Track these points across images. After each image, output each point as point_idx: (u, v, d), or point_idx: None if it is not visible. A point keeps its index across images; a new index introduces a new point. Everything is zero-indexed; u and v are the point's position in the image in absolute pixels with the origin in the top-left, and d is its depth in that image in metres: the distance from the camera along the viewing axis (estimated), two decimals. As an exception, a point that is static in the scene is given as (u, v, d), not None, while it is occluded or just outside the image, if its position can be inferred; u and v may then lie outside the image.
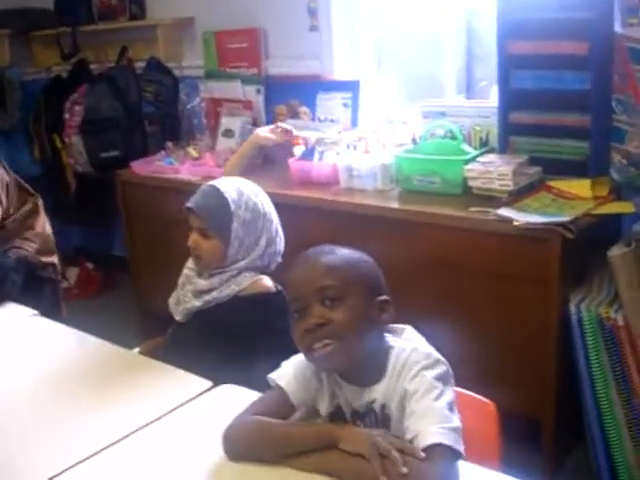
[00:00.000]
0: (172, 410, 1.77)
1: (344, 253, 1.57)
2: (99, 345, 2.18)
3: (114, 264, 4.92)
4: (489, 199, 2.72)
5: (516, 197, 2.69)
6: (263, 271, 2.18)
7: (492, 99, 3.10)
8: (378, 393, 1.52)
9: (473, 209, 2.65)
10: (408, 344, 1.53)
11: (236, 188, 2.13)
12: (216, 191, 2.11)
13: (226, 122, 3.85)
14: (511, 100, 2.89)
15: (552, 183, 2.77)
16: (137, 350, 2.32)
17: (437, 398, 1.42)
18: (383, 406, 1.52)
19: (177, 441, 1.66)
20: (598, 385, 2.50)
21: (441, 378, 1.46)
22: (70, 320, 2.48)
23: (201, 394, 1.84)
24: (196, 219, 2.11)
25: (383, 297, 1.54)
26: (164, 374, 1.97)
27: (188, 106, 4.21)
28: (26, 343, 2.24)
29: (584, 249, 2.54)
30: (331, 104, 3.59)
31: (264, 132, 3.33)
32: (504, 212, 2.56)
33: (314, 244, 1.60)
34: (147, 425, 1.72)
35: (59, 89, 4.80)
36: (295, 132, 3.39)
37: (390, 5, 3.68)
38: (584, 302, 2.51)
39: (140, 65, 4.43)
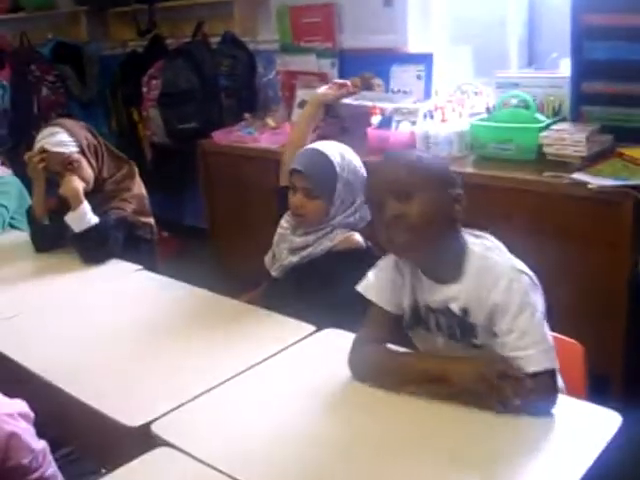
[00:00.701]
0: (282, 350, 1.94)
1: (416, 153, 1.74)
2: (206, 295, 2.37)
3: (186, 233, 5.12)
4: (562, 165, 2.85)
5: (589, 163, 2.81)
6: (353, 228, 2.32)
7: (562, 70, 3.20)
8: (455, 293, 1.65)
9: (548, 173, 2.78)
10: (489, 253, 1.65)
11: (338, 151, 2.28)
12: (321, 154, 2.27)
13: (302, 94, 4.00)
14: (584, 70, 2.99)
15: (624, 150, 2.87)
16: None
17: (533, 314, 1.56)
18: (465, 311, 1.65)
19: (289, 377, 1.82)
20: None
21: (531, 289, 1.58)
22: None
23: (307, 336, 2.00)
24: (302, 180, 2.25)
25: (456, 190, 1.66)
26: (269, 320, 2.13)
27: (264, 79, 4.37)
28: (138, 294, 2.44)
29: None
30: (405, 76, 3.72)
31: (321, 90, 3.41)
32: (578, 176, 2.69)
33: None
34: (260, 363, 1.89)
35: (135, 64, 5.00)
36: (369, 103, 3.53)
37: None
38: (655, 262, 2.63)
39: (215, 40, 4.59)
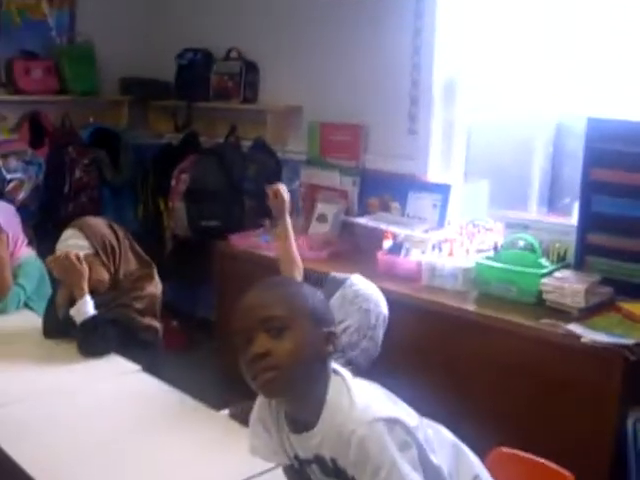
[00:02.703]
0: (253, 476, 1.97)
1: (292, 284, 1.68)
2: (195, 406, 2.43)
3: (196, 325, 5.20)
4: (561, 312, 2.91)
5: (586, 314, 2.88)
6: None
7: (573, 216, 3.29)
8: (318, 442, 1.57)
9: (544, 321, 2.84)
10: (342, 401, 1.56)
11: None
12: None
13: (321, 207, 4.13)
14: (590, 221, 3.09)
15: (622, 304, 2.94)
16: (227, 411, 2.54)
17: (392, 470, 1.47)
18: (334, 461, 1.57)
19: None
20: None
21: (389, 439, 1.49)
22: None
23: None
24: None
25: (330, 329, 1.59)
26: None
27: (288, 188, 4.49)
28: (130, 396, 2.49)
29: (646, 370, 2.70)
30: (421, 203, 3.84)
31: None
32: (573, 327, 2.75)
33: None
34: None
35: (169, 156, 5.16)
36: (384, 226, 3.65)
37: (484, 121, 3.97)
38: (641, 421, 2.66)
39: (246, 144, 4.77)
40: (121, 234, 3.08)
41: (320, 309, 1.61)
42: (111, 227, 3.05)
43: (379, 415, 1.51)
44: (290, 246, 2.96)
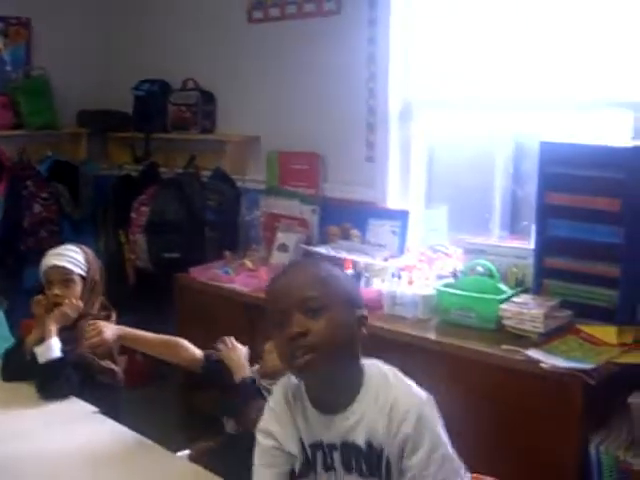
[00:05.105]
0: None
1: (326, 266, 1.70)
2: (151, 448, 2.36)
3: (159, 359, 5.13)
4: (521, 337, 2.91)
5: (546, 338, 2.87)
6: None
7: (531, 239, 3.30)
8: (353, 423, 1.59)
9: (504, 347, 2.84)
10: (389, 380, 1.62)
11: None
12: None
13: (282, 237, 4.11)
14: (547, 245, 3.10)
15: (581, 327, 2.94)
16: (187, 452, 2.51)
17: (446, 446, 1.60)
18: (370, 444, 1.58)
19: None
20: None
21: (437, 415, 1.59)
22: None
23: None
24: None
25: (362, 312, 1.64)
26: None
27: (247, 218, 4.50)
28: (85, 439, 2.42)
29: (606, 393, 2.68)
30: (381, 230, 3.84)
31: None
32: (533, 353, 2.74)
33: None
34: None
35: (129, 187, 5.14)
36: (344, 254, 3.63)
37: (442, 144, 3.98)
38: (603, 444, 2.65)
39: (206, 174, 4.76)
40: (103, 277, 3.04)
41: (353, 291, 1.67)
42: (100, 267, 3.02)
43: (424, 395, 1.61)
44: (145, 341, 2.88)
